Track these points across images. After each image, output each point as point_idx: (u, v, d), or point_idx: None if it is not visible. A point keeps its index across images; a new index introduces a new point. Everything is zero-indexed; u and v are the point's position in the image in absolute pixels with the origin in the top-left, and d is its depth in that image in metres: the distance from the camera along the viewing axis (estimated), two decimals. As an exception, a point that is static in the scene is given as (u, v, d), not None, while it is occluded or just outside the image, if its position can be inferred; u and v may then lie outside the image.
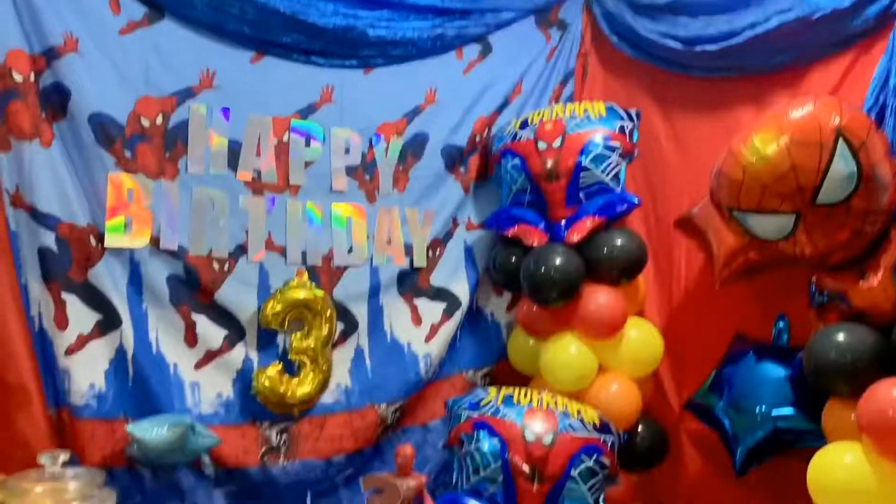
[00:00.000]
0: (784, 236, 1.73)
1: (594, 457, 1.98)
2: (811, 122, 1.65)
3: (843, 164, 1.63)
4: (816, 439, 1.78)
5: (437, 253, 2.40)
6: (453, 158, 2.42)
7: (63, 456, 1.48)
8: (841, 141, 1.62)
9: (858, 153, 1.63)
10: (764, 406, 1.98)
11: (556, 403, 2.06)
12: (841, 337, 1.66)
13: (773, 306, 2.11)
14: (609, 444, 2.03)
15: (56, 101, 1.88)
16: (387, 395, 2.27)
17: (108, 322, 1.91)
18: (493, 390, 2.13)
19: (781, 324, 2.09)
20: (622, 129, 2.27)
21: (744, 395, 2.05)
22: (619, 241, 2.22)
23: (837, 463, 1.62)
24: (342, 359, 2.24)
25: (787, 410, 1.95)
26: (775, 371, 2.03)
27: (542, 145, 2.28)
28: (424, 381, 2.33)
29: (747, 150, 1.72)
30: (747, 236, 1.82)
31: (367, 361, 2.28)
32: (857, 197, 1.63)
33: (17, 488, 1.40)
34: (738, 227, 1.80)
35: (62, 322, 1.87)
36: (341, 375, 2.23)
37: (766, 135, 1.69)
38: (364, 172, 2.30)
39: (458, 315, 2.39)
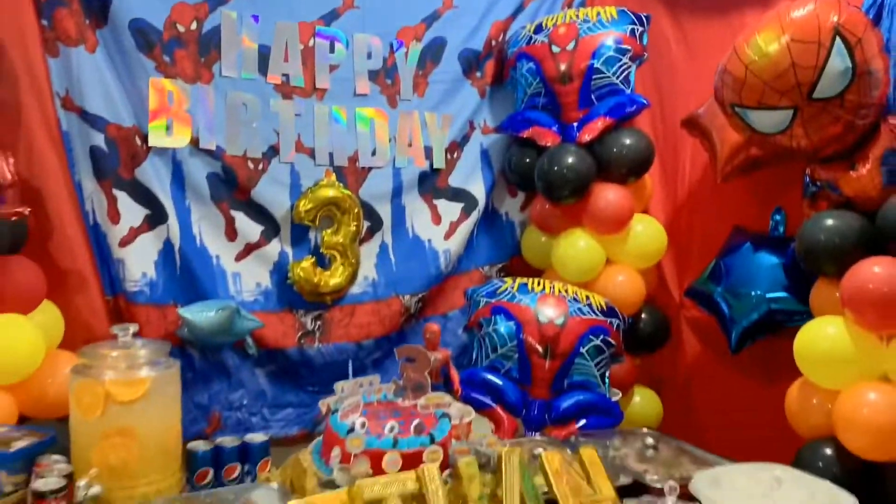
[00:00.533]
0: (782, 130, 1.86)
1: (601, 337, 2.17)
2: (811, 21, 1.76)
3: (839, 61, 1.75)
4: (805, 319, 1.95)
5: (455, 155, 2.54)
6: (470, 63, 2.52)
7: (133, 328, 1.67)
8: (838, 38, 1.73)
9: (854, 50, 1.74)
10: (759, 290, 2.17)
11: (566, 290, 2.24)
12: (830, 221, 1.82)
13: (770, 200, 2.27)
14: (615, 326, 2.22)
15: (97, 7, 2.00)
16: (410, 286, 2.45)
17: (156, 217, 2.08)
18: (508, 280, 2.31)
19: (778, 216, 2.25)
20: (633, 32, 2.37)
21: (741, 281, 2.22)
22: (628, 141, 2.36)
23: (822, 334, 1.81)
24: (368, 254, 2.41)
25: (781, 293, 2.13)
26: (770, 259, 2.20)
27: (555, 49, 2.38)
28: (444, 275, 2.51)
29: (750, 48, 1.83)
30: (748, 132, 1.95)
31: (392, 256, 2.45)
32: (850, 92, 1.76)
33: (95, 354, 1.60)
34: (739, 122, 1.93)
35: (115, 216, 2.04)
36: (368, 269, 2.40)
37: (768, 34, 1.80)
38: (385, 77, 2.41)
39: (476, 214, 2.54)
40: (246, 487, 1.65)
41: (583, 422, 2.09)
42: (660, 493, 1.63)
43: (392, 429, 1.62)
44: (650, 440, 1.94)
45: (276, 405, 2.27)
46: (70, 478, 1.50)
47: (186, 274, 2.12)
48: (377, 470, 1.53)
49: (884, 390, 1.69)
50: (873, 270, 1.69)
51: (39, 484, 1.46)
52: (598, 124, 2.35)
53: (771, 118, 1.86)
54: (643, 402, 2.48)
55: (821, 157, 1.90)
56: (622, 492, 1.65)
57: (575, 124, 2.40)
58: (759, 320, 2.16)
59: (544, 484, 1.58)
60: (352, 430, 1.62)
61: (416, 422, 1.65)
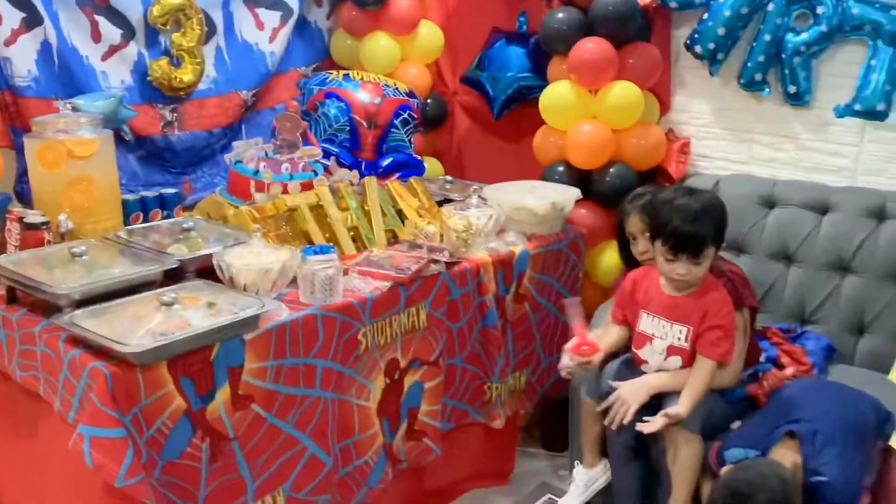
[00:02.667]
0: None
1: (407, 112, 2.91)
2: None
3: None
4: (542, 89, 2.87)
5: (271, -31, 3.01)
6: None
7: (73, 103, 2.07)
8: None
9: None
10: (512, 72, 3.03)
11: (378, 78, 2.93)
12: (560, 15, 2.68)
13: (516, 6, 3.10)
14: (415, 105, 2.97)
15: None
16: (245, 84, 2.94)
17: (32, 19, 2.36)
18: (334, 72, 2.94)
19: (522, 18, 3.10)
20: None
21: (498, 67, 3.07)
22: (414, -40, 3.01)
23: (556, 93, 2.73)
24: (208, 55, 2.86)
25: (527, 74, 3.02)
26: (518, 50, 3.05)
27: None
28: (271, 73, 3.04)
29: None
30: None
31: (227, 58, 2.92)
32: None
33: (46, 123, 1.99)
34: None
35: (-1, 19, 2.29)
36: (209, 69, 2.86)
37: None
38: None
39: (291, 21, 3.07)
40: (177, 220, 2.19)
41: (398, 174, 2.87)
42: (464, 202, 2.49)
43: (287, 168, 2.27)
44: (449, 178, 2.81)
45: (148, 184, 2.73)
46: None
47: (64, 71, 2.44)
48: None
49: (593, 125, 2.68)
50: (587, 46, 2.60)
51: (30, 217, 1.90)
52: (390, -56, 2.96)
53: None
54: (430, 167, 3.32)
55: (553, -29, 2.74)
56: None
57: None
58: (512, 94, 3.04)
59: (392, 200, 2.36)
60: (257, 172, 2.23)
61: (301, 164, 2.31)
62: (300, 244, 2.04)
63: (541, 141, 2.86)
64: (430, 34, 3.15)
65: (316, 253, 1.86)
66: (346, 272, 1.96)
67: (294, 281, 1.88)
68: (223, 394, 1.63)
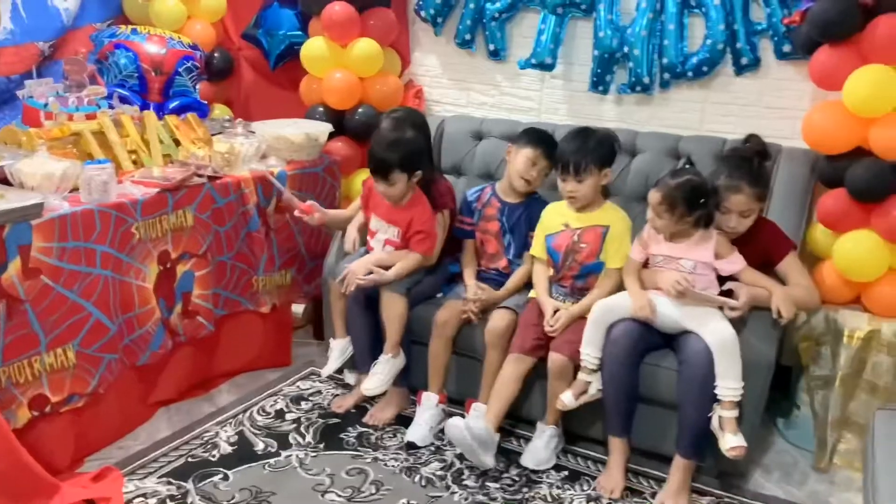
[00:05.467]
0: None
1: (190, 62, 3.42)
2: None
3: None
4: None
5: (62, -66, 3.39)
6: None
7: None
8: None
9: None
10: (284, 30, 3.62)
11: (164, 33, 3.42)
12: (313, -17, 3.30)
13: (288, -26, 3.68)
14: (198, 56, 3.49)
15: None
16: (41, 36, 3.33)
17: None
18: (122, 27, 3.39)
19: (292, -16, 3.68)
20: None
21: (273, 26, 3.65)
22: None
23: (313, 46, 3.34)
24: (4, 10, 3.22)
25: (296, 32, 3.61)
26: (289, 12, 3.64)
27: None
28: (67, 27, 3.43)
29: None
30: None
31: (23, 13, 3.30)
32: None
33: None
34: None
35: None
36: (6, 22, 3.23)
37: None
38: None
39: (85, -20, 3.48)
40: (-23, 146, 2.61)
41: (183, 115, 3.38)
42: (231, 133, 3.07)
43: (73, 102, 2.75)
44: (227, 118, 3.37)
45: (-48, 123, 3.10)
46: None
47: None
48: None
49: (343, 73, 3.32)
50: (335, 9, 3.23)
51: None
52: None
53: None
54: (220, 112, 3.84)
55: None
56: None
57: (154, -84, 3.44)
58: (284, 49, 3.63)
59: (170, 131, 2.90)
60: (46, 105, 2.70)
61: (86, 100, 2.79)
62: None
63: (304, 87, 3.48)
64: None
65: (93, 164, 2.39)
66: (121, 181, 2.50)
67: (77, 189, 2.40)
68: (15, 266, 2.13)
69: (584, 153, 2.47)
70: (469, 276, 2.78)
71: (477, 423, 2.41)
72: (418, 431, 2.66)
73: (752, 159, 2.43)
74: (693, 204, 2.31)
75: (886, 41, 2.40)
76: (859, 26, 2.45)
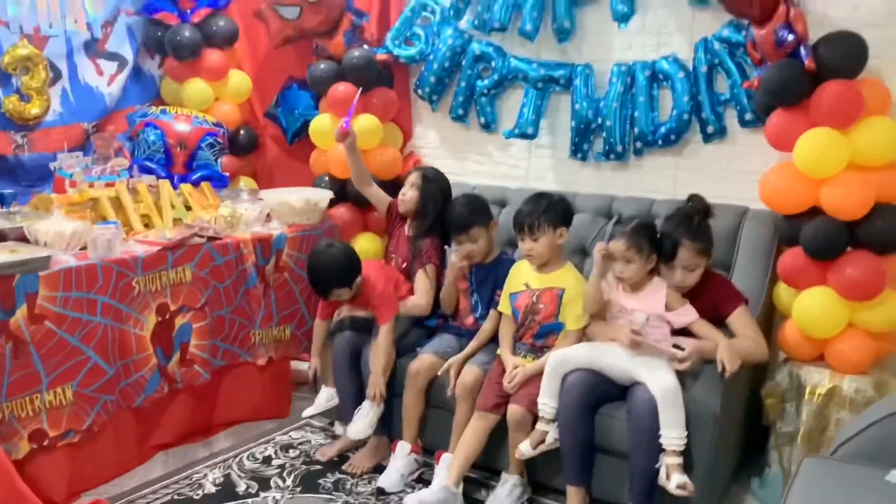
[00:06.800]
0: (297, 17, 3.62)
1: (214, 138, 3.80)
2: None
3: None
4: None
5: (109, 30, 3.88)
6: (114, -32, 3.84)
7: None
8: (316, -28, 3.50)
9: (326, -22, 3.54)
10: (300, 110, 3.98)
11: (191, 112, 3.82)
12: (321, 66, 3.64)
13: (305, 59, 4.05)
14: (221, 133, 3.86)
15: None
16: (87, 117, 3.78)
17: None
18: (154, 108, 3.81)
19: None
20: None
21: (291, 106, 4.02)
22: (222, 23, 3.93)
23: (320, 122, 3.67)
24: (54, 94, 3.69)
25: (311, 111, 3.96)
26: (306, 94, 4.01)
27: (171, -37, 3.83)
28: (110, 109, 3.88)
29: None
30: (282, 20, 3.67)
31: (71, 97, 3.76)
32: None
33: None
34: (276, 15, 3.64)
35: None
36: (56, 104, 3.69)
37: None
38: (53, -26, 3.64)
39: (127, 69, 3.93)
40: (12, 210, 2.99)
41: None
42: (237, 198, 3.38)
43: (97, 172, 3.11)
44: (244, 187, 3.70)
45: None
46: None
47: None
48: (92, 189, 3.03)
49: (346, 146, 3.62)
50: (339, 89, 3.56)
51: None
52: (203, 11, 3.89)
53: (291, 12, 3.60)
54: (246, 184, 4.19)
55: (319, 33, 3.71)
56: (223, 198, 3.38)
57: (189, 11, 3.90)
58: (300, 126, 3.99)
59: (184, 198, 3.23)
60: (72, 175, 3.07)
61: (109, 170, 3.16)
62: (99, 224, 2.87)
63: (313, 159, 3.80)
64: (239, 80, 4.07)
65: (103, 225, 2.71)
66: (126, 240, 2.81)
67: (86, 247, 2.71)
68: (22, 311, 2.43)
69: (537, 214, 2.64)
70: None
71: (430, 496, 2.55)
72: (390, 478, 2.78)
73: (693, 217, 2.54)
74: (654, 241, 2.49)
75: (831, 106, 2.52)
76: (807, 92, 2.57)
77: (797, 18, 2.46)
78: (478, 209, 2.91)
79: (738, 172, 3.03)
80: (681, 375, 2.39)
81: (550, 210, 2.66)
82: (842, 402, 2.54)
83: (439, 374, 2.81)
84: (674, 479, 2.27)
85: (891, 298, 2.59)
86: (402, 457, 2.84)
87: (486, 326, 2.88)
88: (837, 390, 2.55)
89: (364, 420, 2.88)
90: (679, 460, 2.30)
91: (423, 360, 2.85)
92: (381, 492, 2.75)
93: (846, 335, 2.60)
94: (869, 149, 2.49)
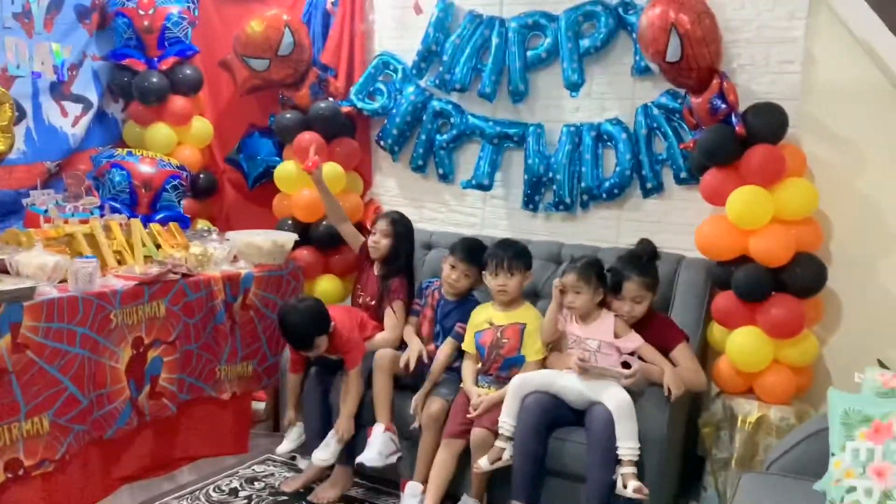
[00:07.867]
0: (266, 69, 3.82)
1: (177, 180, 3.91)
2: (275, 19, 3.73)
3: (290, 40, 3.75)
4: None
5: (75, 73, 3.97)
6: (80, 13, 3.96)
7: None
8: (287, 28, 3.73)
9: (295, 35, 3.76)
10: (262, 156, 4.14)
11: (156, 155, 3.93)
12: (287, 115, 3.84)
13: (268, 109, 4.23)
14: (184, 176, 3.98)
15: None
16: (50, 156, 3.84)
17: None
18: (119, 150, 3.90)
19: (272, 118, 4.23)
20: (189, 7, 4.08)
21: (252, 152, 4.18)
22: (188, 71, 4.08)
23: (285, 168, 3.85)
24: (19, 133, 3.73)
25: (273, 158, 4.13)
26: (268, 141, 4.19)
27: (141, 12, 3.98)
28: (73, 150, 3.94)
29: (250, 26, 3.73)
30: (249, 71, 3.86)
31: (35, 136, 3.81)
32: (294, 54, 3.78)
33: None
34: (245, 65, 3.83)
35: None
36: (20, 143, 3.73)
37: (259, 20, 3.72)
38: (24, 17, 3.73)
39: (92, 112, 4.02)
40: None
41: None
42: (207, 238, 3.50)
43: (70, 209, 3.18)
44: (206, 228, 3.81)
45: (-38, 230, 3.52)
46: None
47: None
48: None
49: (310, 191, 3.80)
50: (304, 137, 3.75)
51: None
52: (171, 60, 4.03)
53: (260, 63, 3.80)
54: (203, 225, 4.29)
55: (286, 84, 3.92)
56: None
57: (156, 58, 4.04)
58: (262, 171, 4.15)
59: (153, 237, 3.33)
60: (46, 211, 3.13)
61: (81, 208, 3.23)
62: (75, 258, 2.94)
63: (276, 202, 3.96)
64: (201, 126, 4.21)
65: (81, 259, 2.79)
66: (104, 275, 2.89)
67: (66, 280, 2.78)
68: (5, 341, 2.48)
69: (513, 254, 2.95)
70: (409, 334, 3.24)
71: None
72: (369, 453, 2.94)
73: (641, 256, 2.86)
74: (601, 274, 2.80)
75: (759, 166, 2.89)
76: (738, 154, 2.94)
77: (729, 90, 2.83)
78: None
79: (673, 224, 3.37)
80: (633, 394, 2.65)
81: (524, 254, 2.97)
82: (769, 430, 2.85)
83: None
84: (630, 485, 2.50)
85: (809, 337, 2.94)
86: (378, 435, 2.99)
87: (443, 349, 3.09)
88: (765, 419, 2.86)
89: (327, 449, 3.02)
90: (634, 469, 2.55)
91: (385, 354, 3.07)
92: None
93: (772, 370, 2.93)
94: (790, 204, 2.86)
